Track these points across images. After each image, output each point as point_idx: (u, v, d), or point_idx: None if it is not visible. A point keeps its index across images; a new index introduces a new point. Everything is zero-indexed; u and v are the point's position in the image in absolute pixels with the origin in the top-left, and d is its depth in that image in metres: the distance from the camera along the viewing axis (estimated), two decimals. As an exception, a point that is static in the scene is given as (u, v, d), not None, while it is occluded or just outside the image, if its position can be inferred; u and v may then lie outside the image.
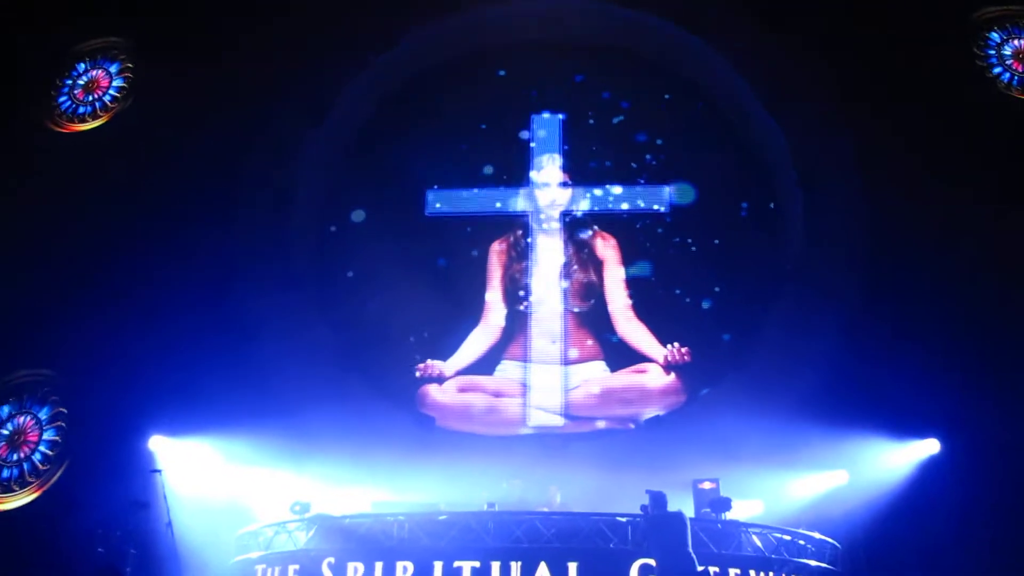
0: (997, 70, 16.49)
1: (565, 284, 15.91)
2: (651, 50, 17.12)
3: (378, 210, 16.64)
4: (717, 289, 15.91)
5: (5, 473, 14.90)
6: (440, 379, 15.47)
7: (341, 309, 15.99)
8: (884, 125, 15.35)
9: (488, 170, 16.75)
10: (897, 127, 15.27)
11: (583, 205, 16.43)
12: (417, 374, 15.52)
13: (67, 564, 12.66)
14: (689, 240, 16.19)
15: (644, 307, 15.81)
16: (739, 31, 16.26)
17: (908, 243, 14.73)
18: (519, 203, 16.46)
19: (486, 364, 15.65)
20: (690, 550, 9.61)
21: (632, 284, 15.98)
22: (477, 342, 15.77)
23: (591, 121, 16.93)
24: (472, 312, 15.96)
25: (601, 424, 15.30)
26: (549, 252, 16.03)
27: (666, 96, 17.03)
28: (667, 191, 16.35)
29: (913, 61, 15.74)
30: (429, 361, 15.55)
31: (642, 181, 16.51)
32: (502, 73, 17.22)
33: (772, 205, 16.35)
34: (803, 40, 15.94)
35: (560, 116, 16.88)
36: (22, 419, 15.21)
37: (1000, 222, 14.42)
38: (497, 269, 16.16)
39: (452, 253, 16.34)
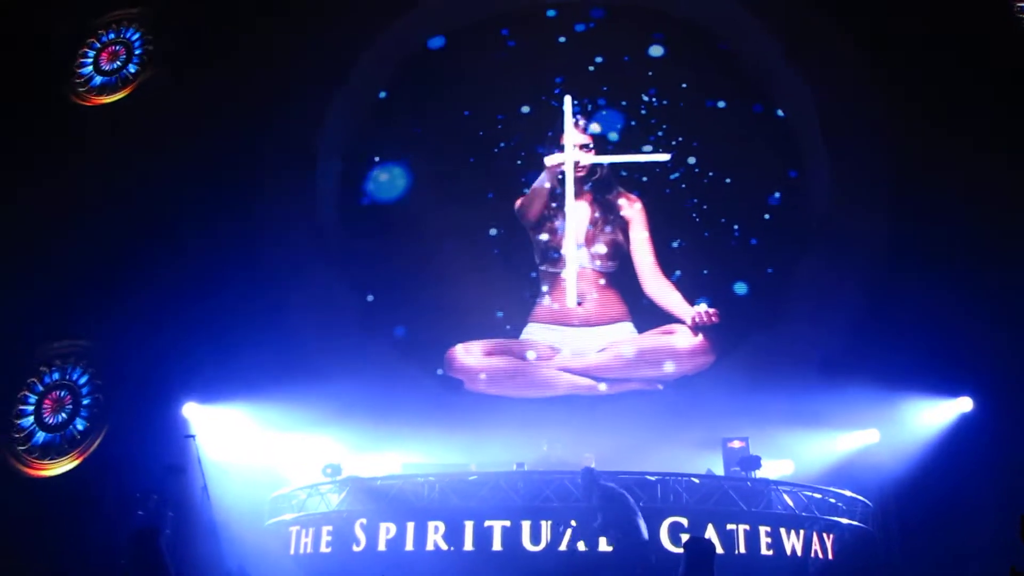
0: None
1: (591, 246, 15.80)
2: (679, 9, 16.84)
3: (400, 176, 16.61)
4: (745, 247, 15.72)
5: (46, 439, 15.22)
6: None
7: (369, 276, 16.00)
8: (912, 84, 15.03)
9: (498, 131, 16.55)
10: (925, 85, 14.95)
11: (607, 160, 16.20)
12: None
13: (108, 527, 12.94)
14: (711, 207, 15.95)
15: (670, 267, 15.70)
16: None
17: (937, 198, 14.44)
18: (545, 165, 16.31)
19: (514, 328, 15.63)
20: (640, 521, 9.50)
21: (660, 244, 15.84)
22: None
23: (621, 87, 16.62)
24: (492, 282, 15.76)
25: (630, 386, 15.25)
26: (575, 213, 15.91)
27: (692, 55, 16.68)
28: (688, 157, 16.12)
29: (943, 16, 15.37)
30: None
31: (662, 144, 16.23)
32: (528, 37, 16.97)
33: (798, 165, 16.11)
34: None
35: (588, 80, 16.60)
36: (60, 389, 15.50)
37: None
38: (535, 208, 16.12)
39: (469, 229, 16.07)
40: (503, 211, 16.13)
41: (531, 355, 15.32)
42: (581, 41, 16.83)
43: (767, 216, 15.85)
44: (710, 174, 16.02)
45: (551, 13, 17.07)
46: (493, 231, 16.08)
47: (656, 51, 16.67)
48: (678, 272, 15.61)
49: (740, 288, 15.47)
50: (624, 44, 16.69)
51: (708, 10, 16.70)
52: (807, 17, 15.61)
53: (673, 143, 16.16)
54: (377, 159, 16.74)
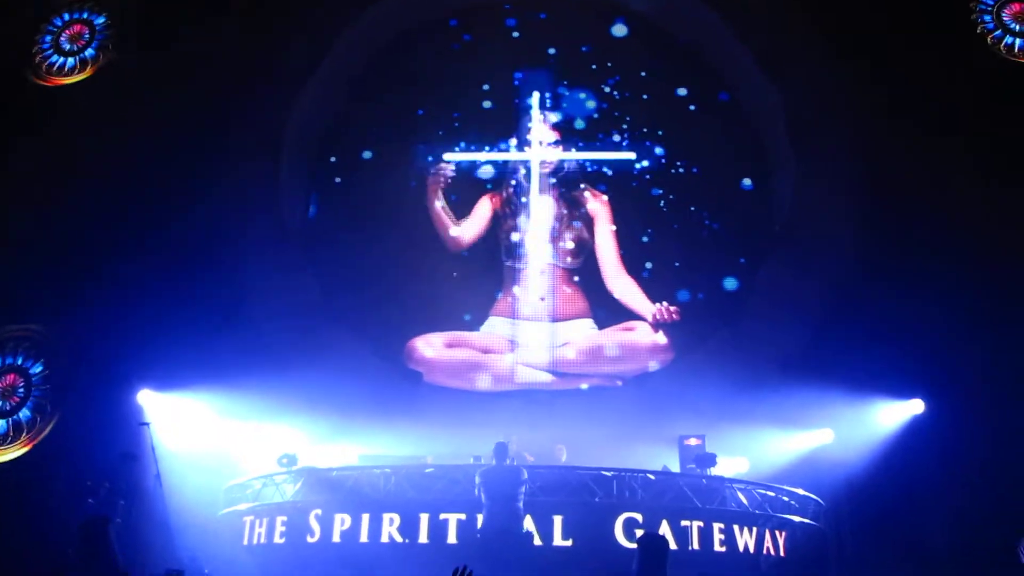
0: (997, 34, 16.24)
1: (556, 242, 15.84)
2: (644, 10, 16.92)
3: (367, 164, 16.54)
4: (706, 245, 15.86)
5: (-6, 425, 14.95)
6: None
7: (330, 264, 15.93)
8: (878, 89, 15.23)
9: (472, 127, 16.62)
10: (891, 91, 15.16)
11: (573, 162, 16.27)
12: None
13: (57, 516, 12.72)
14: (679, 197, 16.07)
15: (632, 264, 15.75)
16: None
17: (897, 204, 14.68)
18: (511, 159, 16.31)
19: (474, 321, 15.63)
20: (519, 505, 9.73)
21: (623, 240, 15.89)
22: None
23: (582, 79, 16.73)
24: (464, 265, 15.88)
25: (590, 381, 15.32)
26: (540, 208, 15.94)
27: (658, 56, 16.77)
28: (654, 148, 16.25)
29: (908, 23, 15.56)
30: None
31: (627, 136, 16.36)
32: (495, 31, 16.97)
33: (763, 166, 16.29)
34: (800, 4, 15.80)
35: (548, 73, 16.69)
36: (11, 374, 15.19)
37: (992, 187, 14.37)
38: (484, 214, 16.12)
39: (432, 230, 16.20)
40: (466, 213, 16.17)
41: (493, 349, 15.33)
42: (537, 33, 16.85)
43: (738, 204, 15.98)
44: (678, 163, 16.16)
45: (507, 6, 17.12)
46: (455, 231, 16.06)
47: (620, 30, 16.78)
48: (649, 265, 15.69)
49: (730, 283, 15.61)
50: (583, 34, 16.78)
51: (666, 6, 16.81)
52: (773, 17, 15.74)
53: (638, 133, 16.29)
54: (333, 159, 16.68)
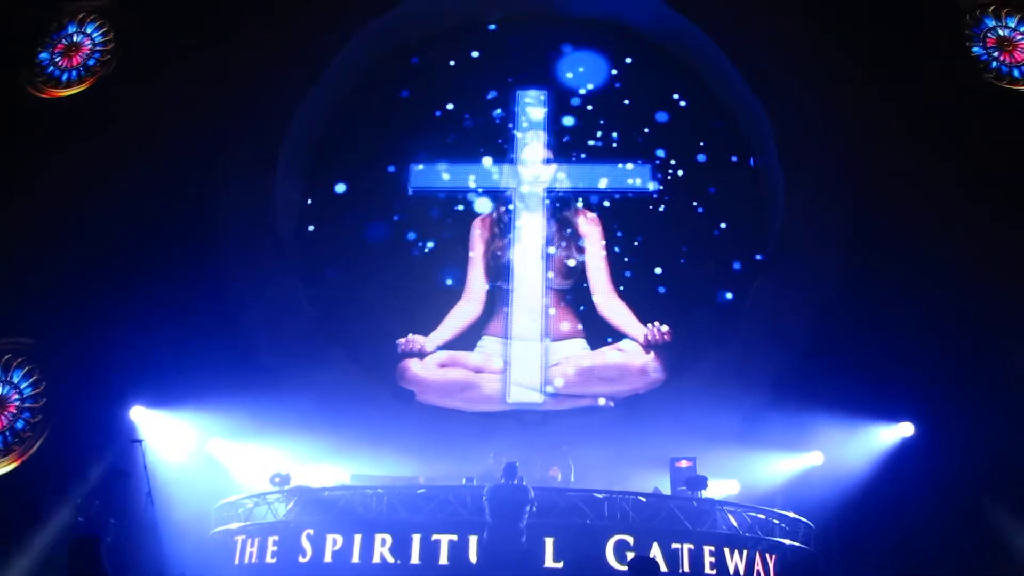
0: (980, 54, 16.45)
1: (548, 262, 15.90)
2: (636, 25, 17.08)
3: (362, 184, 16.60)
4: (695, 267, 15.93)
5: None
6: (422, 354, 15.44)
7: (323, 283, 15.97)
8: (868, 105, 15.38)
9: (466, 143, 16.72)
10: (881, 108, 15.31)
11: (565, 181, 16.39)
12: (399, 348, 15.48)
13: (47, 533, 12.68)
14: (671, 218, 16.21)
15: (625, 283, 15.84)
16: (725, 9, 16.21)
17: (887, 226, 14.79)
18: (502, 179, 16.40)
19: (467, 340, 15.66)
20: (522, 525, 9.81)
21: (614, 260, 15.98)
22: (459, 318, 15.73)
23: (575, 97, 16.88)
24: (452, 290, 15.96)
25: (581, 402, 15.35)
26: (532, 229, 16.01)
27: (650, 73, 16.96)
28: (649, 169, 16.35)
29: (899, 41, 15.74)
30: (411, 335, 15.52)
31: (623, 158, 16.48)
32: (480, 50, 17.17)
33: (753, 185, 16.43)
34: (789, 19, 15.94)
35: (544, 92, 16.80)
36: (1, 388, 15.13)
37: (981, 209, 14.51)
38: (479, 244, 16.15)
39: (429, 232, 16.28)
40: (460, 249, 16.22)
41: (485, 368, 15.37)
42: (497, 46, 17.05)
43: (744, 196, 16.12)
44: (672, 162, 16.31)
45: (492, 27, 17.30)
46: (449, 281, 16.09)
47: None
48: (659, 271, 15.83)
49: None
50: (553, 41, 17.00)
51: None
52: (768, 44, 15.90)
53: (628, 137, 16.45)
54: (310, 201, 16.67)
